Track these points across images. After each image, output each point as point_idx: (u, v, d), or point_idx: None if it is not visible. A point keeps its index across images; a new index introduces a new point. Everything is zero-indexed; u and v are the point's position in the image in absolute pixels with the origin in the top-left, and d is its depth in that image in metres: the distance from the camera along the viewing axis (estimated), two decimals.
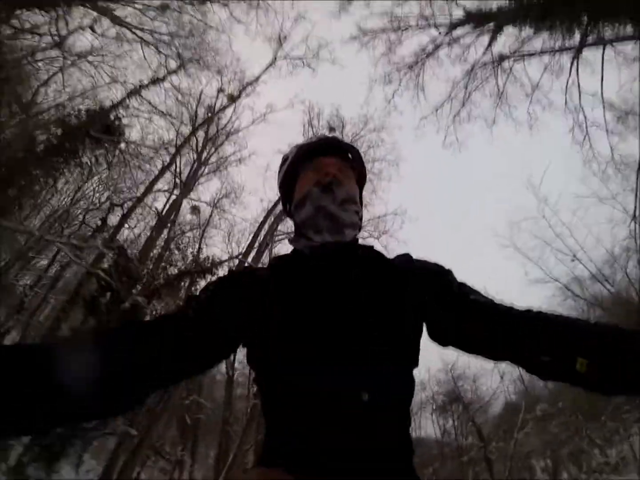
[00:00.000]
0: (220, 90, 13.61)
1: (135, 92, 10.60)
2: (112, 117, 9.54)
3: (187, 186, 12.73)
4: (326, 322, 0.79)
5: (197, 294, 0.86)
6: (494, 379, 14.80)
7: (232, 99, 13.85)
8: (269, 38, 12.92)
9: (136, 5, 10.28)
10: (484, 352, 0.85)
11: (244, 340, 0.84)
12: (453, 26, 10.67)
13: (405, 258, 0.96)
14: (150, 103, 11.36)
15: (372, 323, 0.80)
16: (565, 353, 0.73)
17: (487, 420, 15.08)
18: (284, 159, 1.06)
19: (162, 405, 8.45)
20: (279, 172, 1.07)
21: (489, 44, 10.53)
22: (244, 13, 11.36)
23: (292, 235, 1.00)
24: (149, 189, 10.65)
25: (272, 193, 14.21)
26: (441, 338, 0.88)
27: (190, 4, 10.72)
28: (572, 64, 9.66)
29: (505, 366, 13.84)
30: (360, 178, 1.06)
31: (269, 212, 13.33)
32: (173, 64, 11.79)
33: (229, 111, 14.11)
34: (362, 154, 1.08)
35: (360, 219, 1.01)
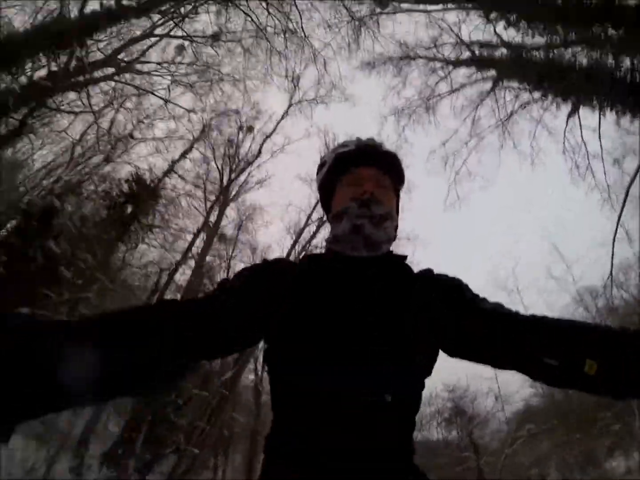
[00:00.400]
0: (240, 128, 14.48)
1: (170, 170, 12.27)
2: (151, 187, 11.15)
3: (215, 224, 14.31)
4: (329, 322, 0.82)
5: (231, 278, 0.91)
6: (489, 400, 16.29)
7: (251, 130, 15.11)
8: (283, 78, 13.39)
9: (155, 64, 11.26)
10: (488, 359, 0.87)
11: (265, 335, 0.87)
12: (459, 63, 11.73)
13: (426, 270, 0.99)
14: (181, 177, 13.01)
15: (372, 323, 0.82)
16: (573, 355, 0.73)
17: (484, 435, 16.58)
18: (322, 164, 1.07)
19: (210, 425, 10.36)
20: (317, 176, 1.09)
21: (492, 89, 11.55)
22: (258, 53, 11.64)
23: (330, 237, 0.99)
24: (187, 252, 12.44)
25: (293, 220, 15.28)
26: (447, 347, 0.89)
27: (206, 44, 11.28)
28: (568, 117, 10.22)
29: (498, 388, 15.16)
30: (399, 184, 1.05)
31: (295, 242, 14.24)
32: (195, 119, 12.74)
33: (248, 144, 14.97)
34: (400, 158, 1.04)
35: (396, 228, 1.02)
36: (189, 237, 12.97)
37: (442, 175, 11.78)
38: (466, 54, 11.00)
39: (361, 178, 0.97)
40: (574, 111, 9.75)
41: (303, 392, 0.78)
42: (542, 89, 9.76)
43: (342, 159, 1.01)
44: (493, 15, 9.08)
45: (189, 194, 13.56)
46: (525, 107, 10.92)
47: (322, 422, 0.75)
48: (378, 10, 10.96)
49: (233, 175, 14.47)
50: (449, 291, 0.92)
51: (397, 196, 1.06)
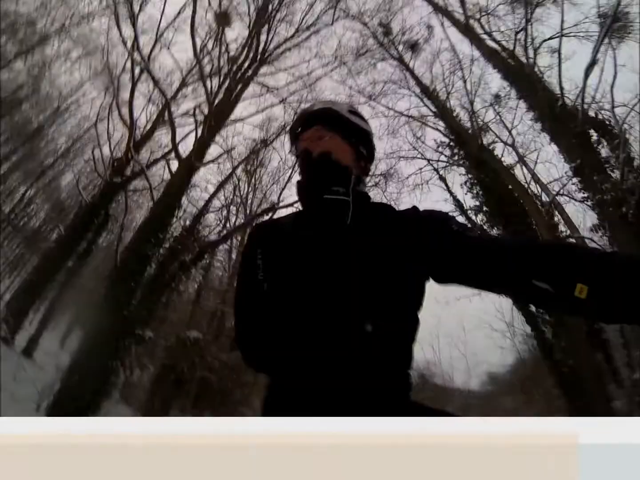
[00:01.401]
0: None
1: None
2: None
3: None
4: (313, 263, 0.90)
5: (243, 264, 1.02)
6: None
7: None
8: None
9: None
10: (475, 281, 0.89)
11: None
12: None
13: (411, 210, 1.03)
14: None
15: (353, 257, 0.89)
16: (563, 279, 0.74)
17: None
18: (294, 120, 1.20)
19: None
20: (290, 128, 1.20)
21: None
22: None
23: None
24: None
25: None
26: (436, 273, 0.94)
27: None
28: None
29: None
30: (358, 135, 1.11)
31: None
32: None
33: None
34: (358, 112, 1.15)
35: (357, 178, 1.05)
36: None
37: None
38: None
39: (305, 138, 1.10)
40: None
41: (295, 328, 0.84)
42: None
43: (299, 120, 1.15)
44: None
45: None
46: None
47: (314, 355, 0.81)
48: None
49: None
50: (435, 222, 0.95)
51: (353, 144, 1.11)
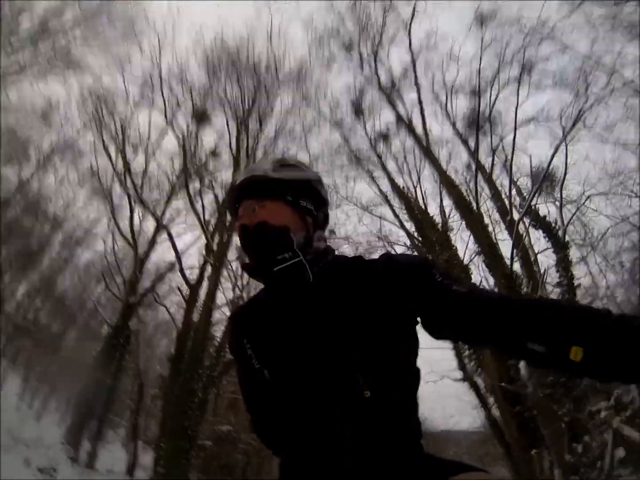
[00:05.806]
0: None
1: None
2: None
3: None
4: (288, 341, 0.91)
5: (235, 363, 1.03)
6: None
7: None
8: None
9: None
10: (471, 342, 0.98)
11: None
12: None
13: (384, 257, 1.01)
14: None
15: (328, 327, 0.88)
16: (557, 341, 0.75)
17: None
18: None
19: None
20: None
21: None
22: None
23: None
24: None
25: None
26: (430, 329, 0.93)
27: None
28: None
29: None
30: (292, 189, 1.04)
31: None
32: None
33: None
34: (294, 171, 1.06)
35: (305, 237, 1.02)
36: None
37: None
38: None
39: (239, 218, 1.07)
40: None
41: (292, 410, 0.89)
42: None
43: (230, 199, 1.14)
44: None
45: None
46: None
47: (318, 433, 0.85)
48: None
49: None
50: (414, 270, 0.94)
51: (290, 202, 1.04)
